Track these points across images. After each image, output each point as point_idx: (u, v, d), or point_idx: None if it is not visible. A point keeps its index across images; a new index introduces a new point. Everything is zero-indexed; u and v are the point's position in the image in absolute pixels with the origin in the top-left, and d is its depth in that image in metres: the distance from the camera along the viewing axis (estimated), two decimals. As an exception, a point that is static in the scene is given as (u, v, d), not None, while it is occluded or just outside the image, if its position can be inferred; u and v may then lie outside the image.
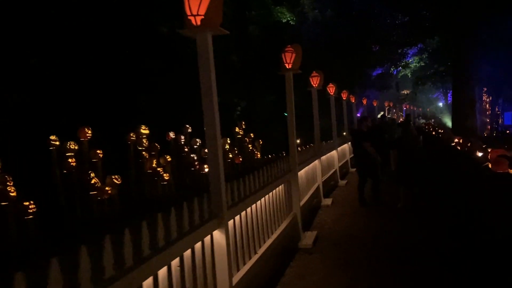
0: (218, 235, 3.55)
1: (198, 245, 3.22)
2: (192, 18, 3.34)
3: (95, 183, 9.33)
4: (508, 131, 33.50)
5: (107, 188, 9.49)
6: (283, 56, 6.50)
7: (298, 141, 14.19)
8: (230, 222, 3.94)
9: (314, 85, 9.46)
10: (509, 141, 25.95)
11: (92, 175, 9.41)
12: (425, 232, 6.93)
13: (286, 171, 6.43)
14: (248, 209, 4.56)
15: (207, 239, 3.41)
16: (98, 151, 9.91)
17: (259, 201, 4.98)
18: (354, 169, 11.66)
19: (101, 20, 15.02)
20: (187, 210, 3.09)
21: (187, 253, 3.04)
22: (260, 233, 4.99)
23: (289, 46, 6.55)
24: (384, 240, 6.62)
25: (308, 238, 6.64)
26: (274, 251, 5.35)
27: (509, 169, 9.78)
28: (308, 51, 10.21)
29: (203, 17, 3.30)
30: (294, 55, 6.44)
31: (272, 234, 5.49)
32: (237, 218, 4.19)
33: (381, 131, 11.09)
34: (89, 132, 9.79)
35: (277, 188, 5.88)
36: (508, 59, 27.81)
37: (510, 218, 7.02)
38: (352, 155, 12.34)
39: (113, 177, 9.74)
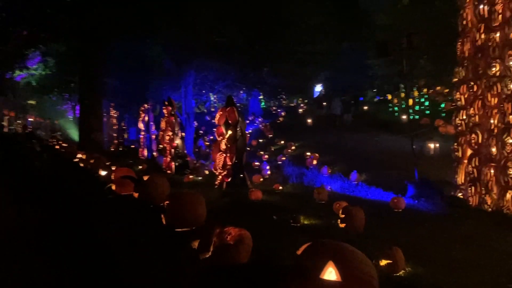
0: None
1: None
2: None
3: None
4: (133, 146, 34.77)
5: None
6: None
7: None
8: None
9: None
10: (133, 156, 26.57)
11: None
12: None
13: None
14: None
15: None
16: None
17: None
18: None
19: None
20: None
21: None
22: None
23: None
24: None
25: None
26: None
27: (133, 192, 8.48)
28: None
29: None
30: None
31: None
32: None
33: None
34: None
35: None
36: (132, 76, 28.56)
37: (135, 251, 5.47)
38: None
39: None
